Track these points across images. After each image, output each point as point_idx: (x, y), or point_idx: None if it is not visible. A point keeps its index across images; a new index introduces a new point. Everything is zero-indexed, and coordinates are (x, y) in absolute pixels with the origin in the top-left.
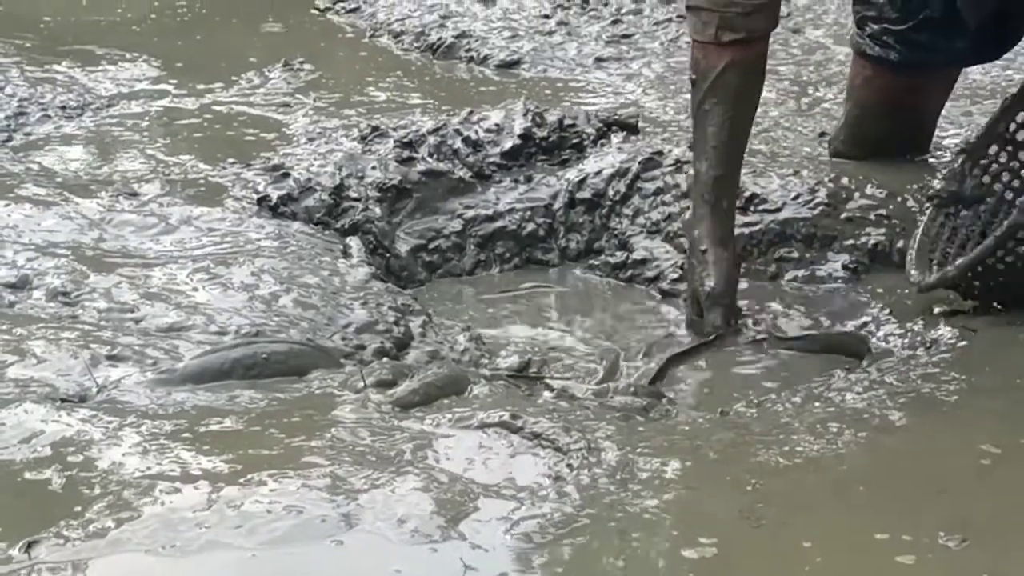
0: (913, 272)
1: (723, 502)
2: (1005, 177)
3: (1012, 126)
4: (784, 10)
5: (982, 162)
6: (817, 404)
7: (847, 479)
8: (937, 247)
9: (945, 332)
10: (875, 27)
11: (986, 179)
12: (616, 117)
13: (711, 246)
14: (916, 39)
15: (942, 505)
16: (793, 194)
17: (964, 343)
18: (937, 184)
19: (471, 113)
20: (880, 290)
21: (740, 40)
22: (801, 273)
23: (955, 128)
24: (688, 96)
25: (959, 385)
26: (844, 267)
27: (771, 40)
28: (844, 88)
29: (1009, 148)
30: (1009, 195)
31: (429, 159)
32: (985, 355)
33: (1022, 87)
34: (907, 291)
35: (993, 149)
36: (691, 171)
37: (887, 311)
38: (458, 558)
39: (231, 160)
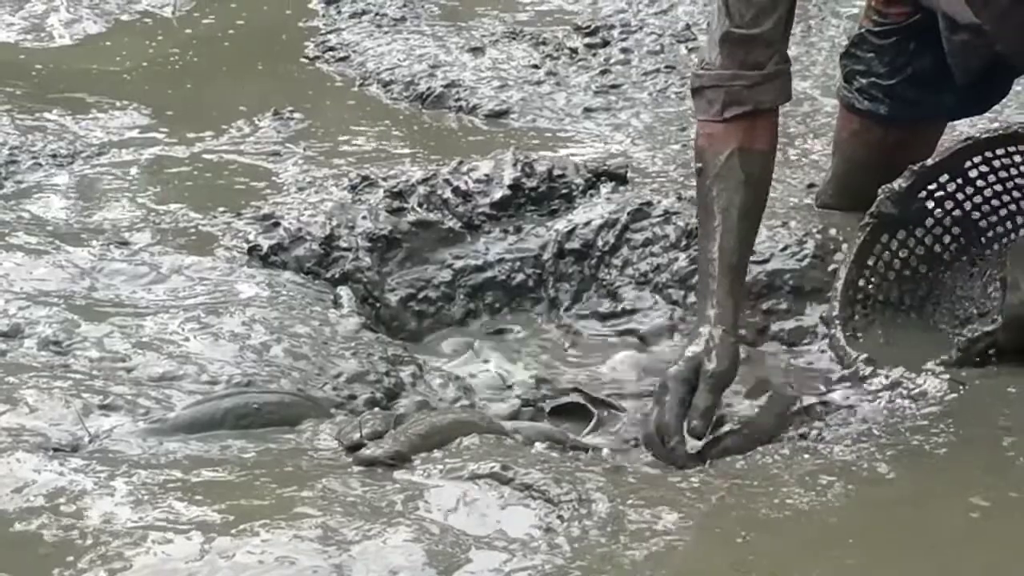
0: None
1: (714, 554)
2: (948, 205)
3: (968, 163)
4: None
5: (930, 187)
6: (806, 456)
7: (837, 531)
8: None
9: (933, 384)
10: (863, 81)
11: (930, 203)
12: (605, 167)
13: (728, 330)
14: (905, 93)
15: (932, 558)
16: (781, 245)
17: (953, 395)
18: (880, 204)
19: (461, 163)
20: (867, 342)
21: (747, 114)
22: (788, 325)
23: None
24: (676, 148)
25: (948, 438)
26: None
27: None
28: (831, 140)
29: (959, 180)
30: (947, 221)
31: (419, 209)
32: (974, 408)
33: (995, 132)
34: (895, 342)
35: (944, 178)
36: (696, 247)
37: (874, 363)
38: None
39: (221, 209)
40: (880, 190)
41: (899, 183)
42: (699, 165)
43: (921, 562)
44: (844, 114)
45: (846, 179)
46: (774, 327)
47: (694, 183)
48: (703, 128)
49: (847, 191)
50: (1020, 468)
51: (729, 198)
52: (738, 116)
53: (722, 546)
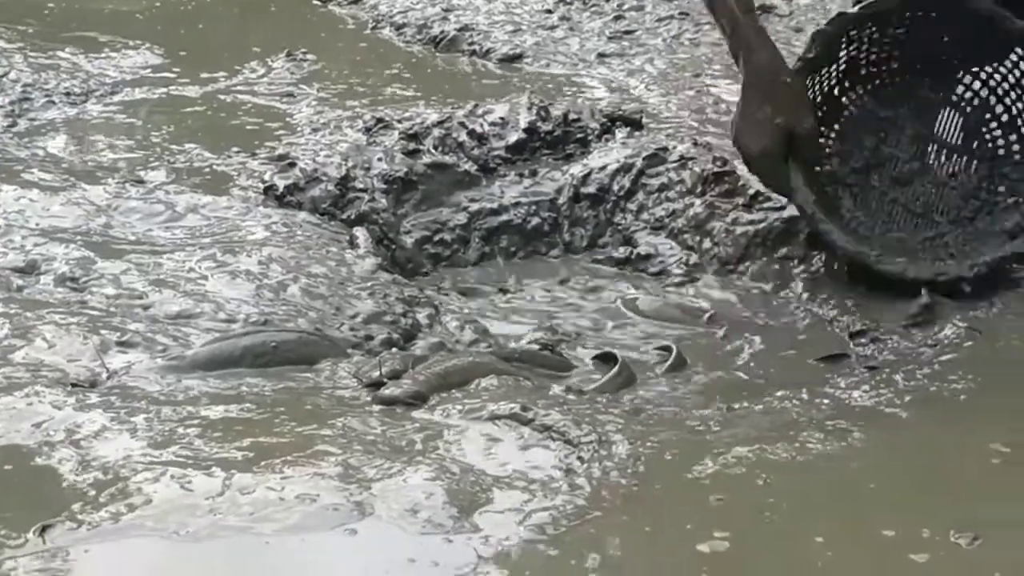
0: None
1: (735, 497)
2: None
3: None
4: (786, 9)
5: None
6: (826, 401)
7: (857, 476)
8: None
9: (949, 332)
10: None
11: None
12: (620, 112)
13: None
14: None
15: (953, 503)
16: None
17: (969, 343)
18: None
19: (476, 106)
20: (883, 288)
21: None
22: (805, 273)
23: None
24: (690, 94)
25: (967, 384)
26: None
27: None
28: None
29: None
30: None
31: (434, 151)
32: (991, 354)
33: None
34: (910, 289)
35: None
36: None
37: (891, 310)
38: (472, 548)
39: (236, 149)
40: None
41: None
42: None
43: (944, 507)
44: None
45: None
46: (791, 274)
47: (709, 129)
48: None
49: None
50: None
51: None
52: None
53: (743, 489)
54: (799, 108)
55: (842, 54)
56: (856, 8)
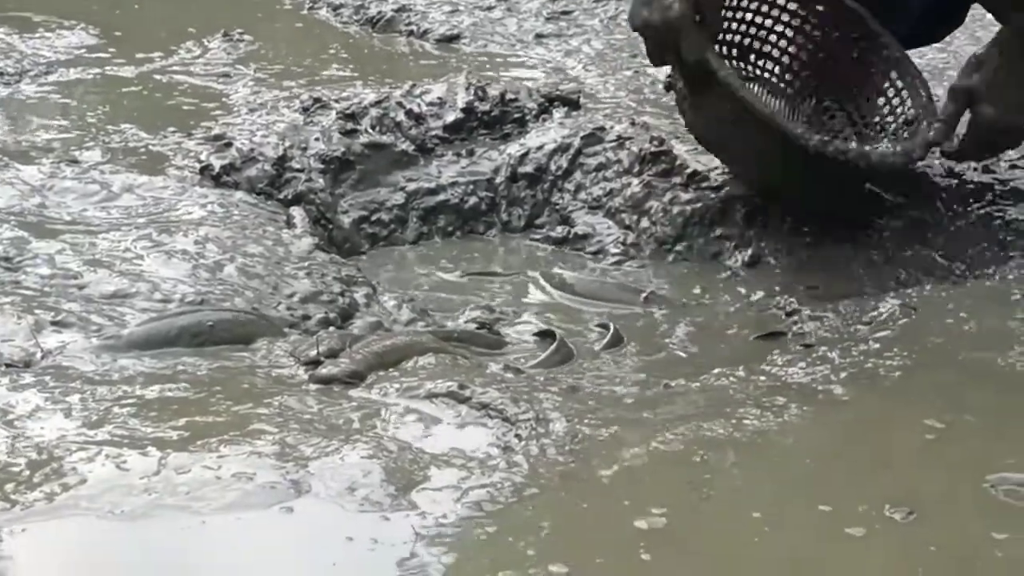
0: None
1: (672, 473)
2: None
3: None
4: None
5: None
6: (762, 378)
7: (793, 452)
8: None
9: (884, 309)
10: None
11: None
12: (558, 92)
13: None
14: None
15: (889, 479)
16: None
17: (904, 320)
18: None
19: (414, 86)
20: (818, 269)
21: None
22: (741, 252)
23: None
24: (628, 74)
25: (902, 361)
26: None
27: None
28: None
29: None
30: None
31: (372, 131)
32: (926, 332)
33: None
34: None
35: None
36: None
37: (827, 288)
38: (409, 526)
39: (172, 129)
40: None
41: None
42: None
43: (879, 482)
44: None
45: None
46: (728, 253)
47: (647, 109)
48: None
49: None
50: (972, 391)
51: None
52: None
53: (680, 465)
54: None
55: None
56: None
